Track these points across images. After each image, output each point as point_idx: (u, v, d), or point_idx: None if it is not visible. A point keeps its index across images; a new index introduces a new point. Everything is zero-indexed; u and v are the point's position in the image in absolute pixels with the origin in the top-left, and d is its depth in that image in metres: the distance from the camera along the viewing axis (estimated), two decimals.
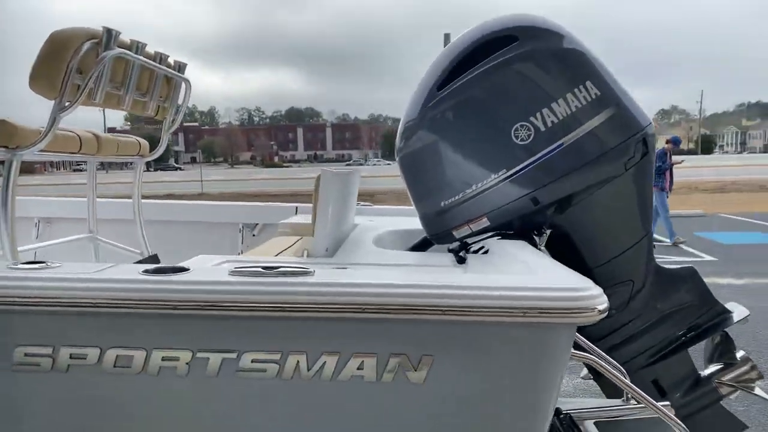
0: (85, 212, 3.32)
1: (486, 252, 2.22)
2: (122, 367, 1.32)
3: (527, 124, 2.11)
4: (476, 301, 1.21)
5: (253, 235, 3.78)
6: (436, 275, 1.42)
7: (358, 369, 1.27)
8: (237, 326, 1.29)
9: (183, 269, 1.38)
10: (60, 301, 1.28)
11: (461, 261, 2.20)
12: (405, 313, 1.21)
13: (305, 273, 1.33)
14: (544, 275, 1.38)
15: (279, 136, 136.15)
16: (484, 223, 2.22)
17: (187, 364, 1.30)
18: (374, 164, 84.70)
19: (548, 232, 2.18)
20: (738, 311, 2.48)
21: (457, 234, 2.32)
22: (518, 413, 1.31)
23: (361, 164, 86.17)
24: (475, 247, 2.51)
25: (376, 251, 2.28)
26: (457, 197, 2.26)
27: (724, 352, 2.52)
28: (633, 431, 2.15)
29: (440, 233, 2.38)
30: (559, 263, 1.58)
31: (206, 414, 1.36)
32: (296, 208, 3.73)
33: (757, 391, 2.44)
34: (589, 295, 1.21)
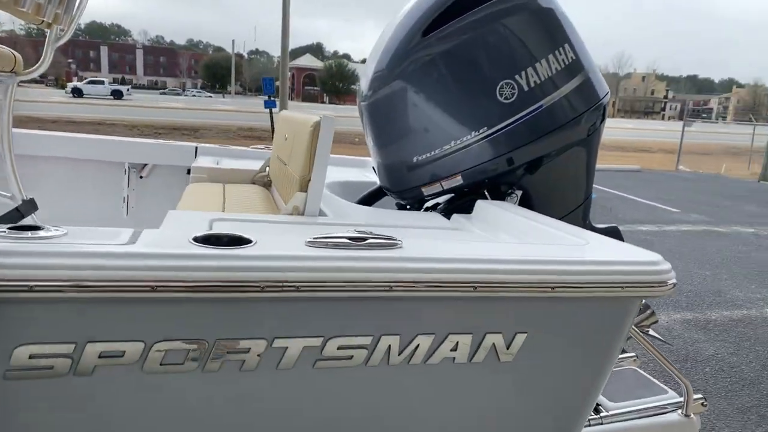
0: None
1: (465, 212, 2.18)
2: (171, 364, 1.02)
3: (512, 82, 2.07)
4: (578, 277, 1.16)
5: (141, 177, 3.24)
6: (514, 248, 1.33)
7: (451, 350, 1.16)
8: (323, 309, 1.08)
9: (243, 240, 1.10)
10: (86, 286, 0.93)
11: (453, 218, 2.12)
12: (516, 290, 1.12)
13: (394, 245, 1.15)
14: (609, 248, 1.38)
15: (78, 54, 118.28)
16: (458, 181, 2.17)
17: (258, 356, 1.06)
18: (194, 95, 78.59)
19: (519, 192, 2.20)
20: None
21: (426, 191, 2.23)
22: (592, 381, 1.33)
23: (178, 94, 79.40)
24: (429, 204, 2.45)
25: (360, 209, 2.09)
26: (432, 153, 2.15)
27: None
28: None
29: (407, 189, 2.27)
30: (596, 233, 1.59)
31: (277, 411, 1.13)
32: (196, 149, 3.26)
33: (651, 332, 2.82)
34: (665, 269, 1.25)
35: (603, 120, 2.31)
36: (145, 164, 3.23)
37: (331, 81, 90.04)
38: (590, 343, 1.29)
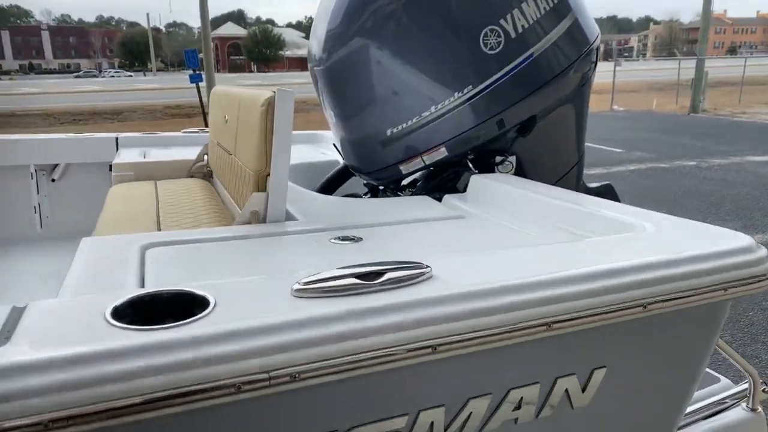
0: None
1: (449, 189, 1.84)
2: None
3: (497, 28, 1.73)
4: (674, 285, 0.87)
5: (53, 181, 2.72)
6: (575, 253, 1.02)
7: (513, 410, 0.84)
8: (328, 395, 0.73)
9: (193, 300, 0.73)
10: None
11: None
12: (602, 317, 0.82)
13: (421, 274, 0.80)
14: (683, 232, 1.09)
15: None
16: (441, 153, 1.83)
17: None
18: (112, 76, 73.89)
19: (514, 160, 1.89)
20: None
21: (404, 169, 1.89)
22: (681, 399, 1.06)
23: (94, 76, 74.47)
24: (404, 182, 2.11)
25: (334, 204, 1.71)
26: (409, 123, 1.80)
27: None
28: None
29: (382, 168, 1.91)
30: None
31: None
32: (116, 139, 2.75)
33: None
34: (762, 257, 0.97)
35: (594, 67, 2.02)
36: (56, 164, 2.71)
37: (257, 48, 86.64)
38: (679, 359, 1.02)
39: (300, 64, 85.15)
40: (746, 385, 1.54)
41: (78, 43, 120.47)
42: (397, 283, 0.81)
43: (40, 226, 2.68)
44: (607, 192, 2.48)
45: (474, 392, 0.84)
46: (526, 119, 1.84)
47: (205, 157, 2.45)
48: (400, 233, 1.30)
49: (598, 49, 1.99)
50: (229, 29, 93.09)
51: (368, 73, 1.79)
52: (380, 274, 0.81)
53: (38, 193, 2.67)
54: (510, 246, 1.18)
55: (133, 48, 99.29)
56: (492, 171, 1.90)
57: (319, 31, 1.87)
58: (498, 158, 1.88)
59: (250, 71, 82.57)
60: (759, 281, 0.97)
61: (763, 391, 1.56)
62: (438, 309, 0.77)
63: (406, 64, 1.76)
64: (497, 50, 1.74)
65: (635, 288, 0.88)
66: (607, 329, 0.89)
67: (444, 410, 0.83)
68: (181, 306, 0.76)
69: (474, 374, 0.84)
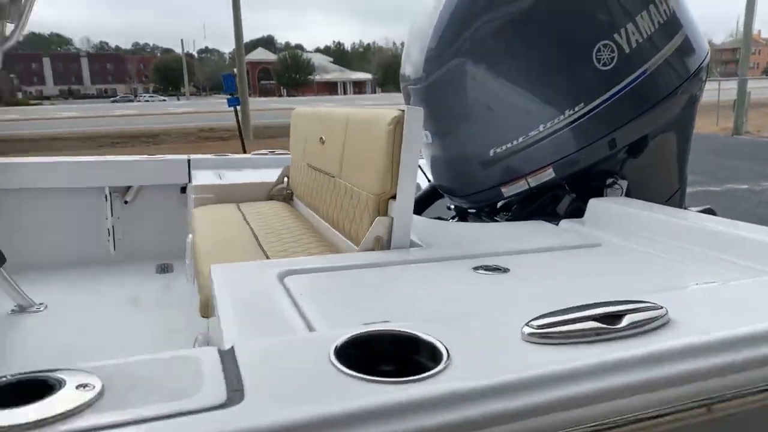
0: None
1: (546, 215, 1.73)
2: None
3: (611, 43, 1.62)
4: None
5: (125, 203, 2.69)
6: None
7: None
8: None
9: (433, 352, 0.66)
10: None
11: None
12: None
13: (661, 317, 0.70)
14: None
15: (19, 68, 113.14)
16: (548, 175, 1.72)
17: None
18: (146, 101, 76.02)
19: (624, 184, 1.76)
20: None
21: (506, 191, 1.78)
22: None
23: (130, 101, 76.75)
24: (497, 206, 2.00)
25: (450, 228, 1.62)
26: (514, 143, 1.70)
27: None
28: None
29: (482, 190, 1.81)
30: None
31: None
32: (188, 161, 2.72)
33: None
34: None
35: (703, 86, 1.90)
36: (129, 186, 2.68)
37: (287, 73, 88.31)
38: None
39: (329, 88, 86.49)
40: None
41: (115, 69, 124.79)
42: (640, 326, 0.70)
43: (114, 249, 2.65)
44: (711, 214, 2.32)
45: None
46: (637, 139, 1.73)
47: (285, 179, 2.39)
48: (545, 262, 1.19)
49: (708, 67, 1.87)
50: (260, 55, 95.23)
51: (469, 92, 1.70)
52: (619, 316, 0.71)
53: (112, 215, 2.65)
54: (684, 280, 1.06)
55: (167, 73, 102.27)
56: (599, 194, 1.78)
57: (413, 51, 1.79)
58: (608, 180, 1.76)
59: (280, 95, 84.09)
60: None
61: None
62: (705, 360, 0.66)
63: (511, 82, 1.67)
64: (610, 66, 1.63)
65: None
66: None
67: None
68: (399, 350, 0.67)
69: None
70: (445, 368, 0.64)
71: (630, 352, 0.66)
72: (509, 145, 1.69)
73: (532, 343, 0.71)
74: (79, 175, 2.61)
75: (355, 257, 1.23)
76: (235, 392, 0.60)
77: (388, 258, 1.21)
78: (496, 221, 1.89)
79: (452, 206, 2.08)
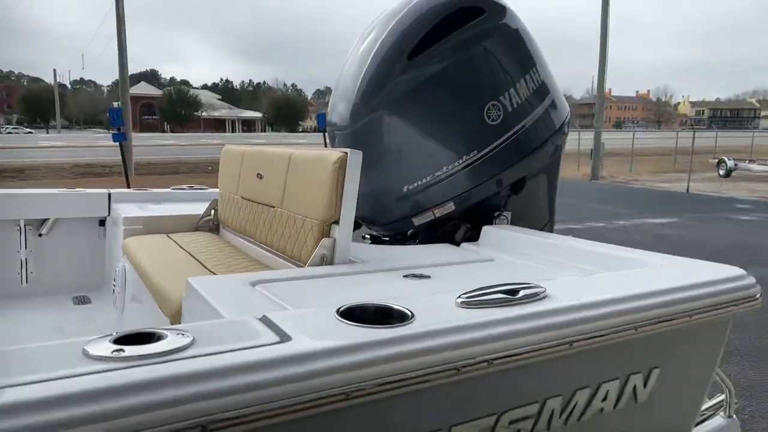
0: None
1: (446, 240, 2.10)
2: None
3: (498, 103, 2.05)
4: (705, 302, 1.16)
5: (40, 235, 2.68)
6: (637, 279, 1.31)
7: (602, 401, 1.07)
8: (494, 383, 0.94)
9: (399, 314, 0.94)
10: None
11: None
12: (668, 323, 1.08)
13: (542, 294, 1.04)
14: (696, 268, 1.41)
15: None
16: (449, 208, 2.09)
17: None
18: (9, 132, 69.17)
19: (509, 214, 2.18)
20: None
21: (417, 221, 2.13)
22: (700, 397, 1.33)
23: None
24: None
25: (382, 250, 1.92)
26: (423, 181, 2.06)
27: None
28: None
29: (396, 220, 2.14)
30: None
31: None
32: (109, 194, 2.78)
33: None
34: (752, 283, 1.30)
35: (566, 138, 2.40)
36: (45, 219, 2.69)
37: (172, 108, 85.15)
38: (701, 363, 1.30)
39: (215, 124, 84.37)
40: (722, 396, 1.86)
41: None
42: (532, 298, 1.04)
43: (25, 281, 2.62)
44: None
45: (578, 384, 1.07)
46: (518, 179, 2.16)
47: (212, 211, 2.56)
48: (456, 271, 1.52)
49: (569, 122, 2.38)
50: (143, 89, 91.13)
51: (386, 140, 2.05)
52: (515, 291, 1.04)
53: (25, 247, 2.63)
54: (553, 277, 1.45)
55: (35, 104, 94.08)
56: (489, 223, 2.18)
57: (341, 105, 2.11)
58: (495, 213, 2.18)
59: (164, 131, 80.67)
60: (749, 300, 1.29)
61: (735, 402, 1.89)
62: (570, 316, 1.01)
63: (419, 131, 2.04)
64: (497, 121, 2.06)
65: (685, 302, 1.16)
66: (669, 334, 1.17)
67: (560, 399, 1.04)
68: (380, 317, 0.95)
69: (581, 370, 1.07)
70: (412, 321, 0.93)
71: (525, 310, 1.01)
72: (419, 182, 2.05)
73: (462, 307, 1.03)
74: None
75: (308, 271, 1.49)
76: (284, 335, 0.85)
77: (336, 270, 1.49)
78: (405, 245, 2.23)
79: (368, 235, 2.38)
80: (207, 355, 0.78)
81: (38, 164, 24.37)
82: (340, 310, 0.98)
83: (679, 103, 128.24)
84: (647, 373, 1.19)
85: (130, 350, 0.77)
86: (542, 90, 2.19)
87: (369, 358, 0.85)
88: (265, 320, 0.94)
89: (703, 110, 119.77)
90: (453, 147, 2.04)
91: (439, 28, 2.01)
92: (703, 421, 1.82)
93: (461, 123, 2.04)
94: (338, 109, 2.12)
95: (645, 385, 1.18)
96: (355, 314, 0.97)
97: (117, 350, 0.77)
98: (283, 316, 0.96)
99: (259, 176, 2.11)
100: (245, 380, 0.74)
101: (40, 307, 2.47)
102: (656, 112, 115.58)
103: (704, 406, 1.92)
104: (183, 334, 0.83)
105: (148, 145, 34.02)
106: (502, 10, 2.13)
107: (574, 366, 1.09)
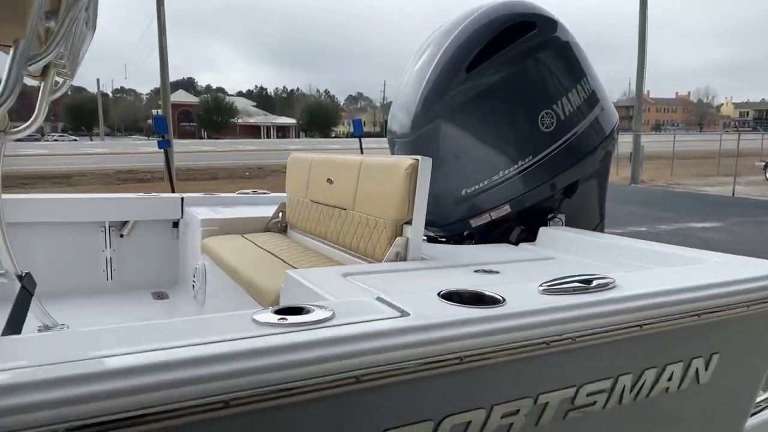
0: None
1: (501, 240, 2.22)
2: None
3: (551, 111, 2.16)
4: (762, 294, 1.25)
5: (121, 236, 2.91)
6: (699, 273, 1.43)
7: (668, 380, 1.19)
8: (578, 358, 1.08)
9: (493, 299, 1.07)
10: None
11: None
12: (727, 311, 1.19)
13: (613, 284, 1.17)
14: (751, 264, 1.51)
15: None
16: (505, 210, 2.21)
17: (525, 416, 1.01)
18: (55, 140, 71.87)
19: (563, 216, 2.28)
20: None
21: (474, 223, 2.25)
22: (758, 384, 1.43)
23: (36, 140, 72.26)
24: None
25: (450, 248, 2.07)
26: (480, 185, 2.18)
27: None
28: None
29: (454, 221, 2.27)
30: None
31: None
32: (182, 199, 3.01)
33: None
34: None
35: (615, 143, 2.49)
36: (126, 221, 2.92)
37: (208, 116, 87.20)
38: (759, 353, 1.39)
39: (251, 130, 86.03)
40: None
41: (18, 107, 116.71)
42: (604, 286, 1.17)
43: (110, 278, 2.85)
44: None
45: (648, 364, 1.20)
46: (571, 183, 2.27)
47: (281, 214, 2.75)
48: (521, 268, 1.64)
49: (618, 129, 2.47)
50: (181, 96, 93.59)
51: (445, 146, 2.18)
52: (589, 281, 1.17)
53: (109, 247, 2.86)
54: (614, 272, 1.56)
55: (79, 112, 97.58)
56: (543, 225, 2.29)
57: (401, 114, 2.26)
58: (550, 215, 2.28)
59: (201, 138, 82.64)
60: None
61: None
62: (639, 302, 1.13)
63: (481, 139, 2.17)
64: (551, 129, 2.17)
65: (744, 294, 1.26)
66: (728, 322, 1.28)
67: (631, 377, 1.16)
68: (474, 301, 1.09)
69: (650, 349, 1.20)
70: (505, 304, 1.07)
71: (600, 297, 1.13)
72: (477, 186, 2.18)
73: (544, 294, 1.16)
74: (82, 210, 2.82)
75: (388, 265, 1.64)
76: (402, 311, 0.99)
77: (412, 266, 1.63)
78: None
79: (424, 237, 2.52)
80: (349, 323, 0.95)
81: (84, 170, 25.27)
82: (441, 293, 1.12)
83: (721, 104, 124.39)
84: (708, 357, 1.29)
85: (292, 319, 0.94)
86: (592, 98, 2.29)
87: (475, 330, 0.99)
88: (382, 300, 1.10)
89: (748, 111, 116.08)
90: (508, 153, 2.16)
91: (495, 42, 2.14)
92: (758, 412, 1.89)
93: (516, 130, 2.16)
94: (399, 119, 2.27)
95: (706, 368, 1.29)
96: (453, 299, 1.10)
97: (281, 318, 0.94)
98: (395, 298, 1.10)
99: (329, 181, 2.27)
100: (381, 344, 0.90)
101: (125, 301, 2.70)
102: (697, 114, 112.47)
103: (759, 398, 1.99)
104: (325, 308, 0.99)
105: (187, 151, 34.94)
106: (554, 24, 2.24)
107: (643, 347, 1.21)
